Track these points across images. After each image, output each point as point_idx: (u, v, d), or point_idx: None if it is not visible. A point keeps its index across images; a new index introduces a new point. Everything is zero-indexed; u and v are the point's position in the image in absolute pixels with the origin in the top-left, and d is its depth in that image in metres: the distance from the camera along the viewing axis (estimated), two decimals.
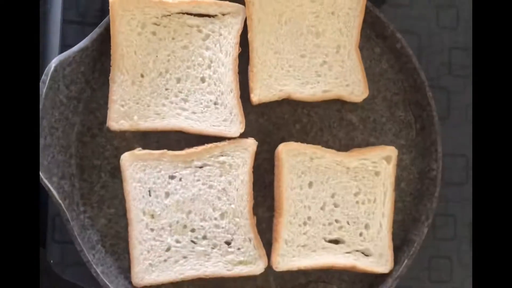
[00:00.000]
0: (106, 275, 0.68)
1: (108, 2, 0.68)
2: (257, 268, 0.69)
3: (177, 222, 0.68)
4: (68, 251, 0.71)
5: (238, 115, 0.68)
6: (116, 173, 0.70)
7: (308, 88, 0.71)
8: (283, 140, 0.71)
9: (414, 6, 0.81)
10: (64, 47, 0.71)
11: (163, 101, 0.69)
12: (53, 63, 0.65)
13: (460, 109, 0.81)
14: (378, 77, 0.76)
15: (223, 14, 0.70)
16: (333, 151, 0.72)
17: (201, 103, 0.69)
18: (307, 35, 0.71)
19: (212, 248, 0.68)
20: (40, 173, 0.63)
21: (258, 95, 0.70)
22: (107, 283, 0.67)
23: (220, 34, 0.70)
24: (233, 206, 0.68)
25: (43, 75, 0.64)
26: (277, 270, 0.69)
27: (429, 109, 0.74)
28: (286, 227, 0.69)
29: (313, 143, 0.72)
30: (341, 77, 0.72)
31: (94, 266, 0.67)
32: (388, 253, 0.73)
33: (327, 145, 0.74)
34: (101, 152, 0.70)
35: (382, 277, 0.73)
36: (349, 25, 0.72)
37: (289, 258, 0.70)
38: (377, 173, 0.73)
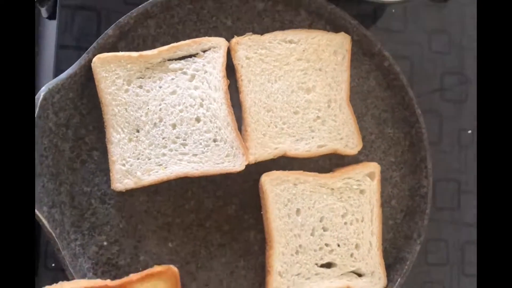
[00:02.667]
0: None
1: (103, 27, 0.68)
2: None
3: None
4: (60, 278, 0.70)
5: (239, 147, 0.68)
6: (106, 199, 0.70)
7: (303, 144, 0.72)
8: (276, 161, 0.71)
9: (406, 31, 0.81)
10: (58, 72, 0.70)
11: (163, 150, 0.68)
12: (42, 92, 0.65)
13: (452, 134, 0.82)
14: (366, 94, 0.76)
15: (204, 51, 0.70)
16: (316, 173, 0.72)
17: (201, 144, 0.68)
18: (298, 91, 0.72)
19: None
20: None
21: (254, 155, 0.69)
22: None
23: (205, 71, 0.69)
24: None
25: None
26: None
27: (418, 126, 0.75)
28: (279, 259, 0.69)
29: (305, 164, 0.73)
30: (335, 131, 0.73)
31: None
32: (380, 270, 0.73)
33: (318, 165, 0.74)
34: (91, 179, 0.70)
35: None
36: (337, 79, 0.73)
37: None
38: (362, 191, 0.73)
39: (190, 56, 0.70)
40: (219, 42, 0.70)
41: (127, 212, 0.70)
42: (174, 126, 0.69)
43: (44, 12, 0.76)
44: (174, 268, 0.67)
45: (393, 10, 0.81)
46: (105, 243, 0.69)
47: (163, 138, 0.68)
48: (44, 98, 0.65)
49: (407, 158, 0.76)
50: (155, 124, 0.68)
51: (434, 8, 0.82)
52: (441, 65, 0.82)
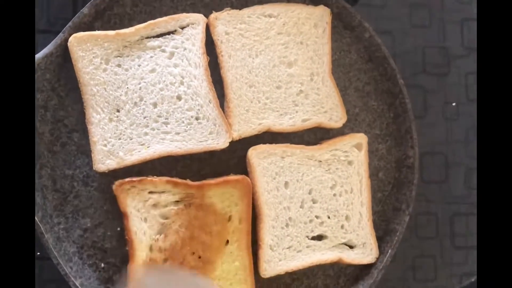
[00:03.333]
0: (86, 287, 0.66)
1: (79, 9, 0.67)
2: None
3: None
4: (46, 267, 0.70)
5: (222, 124, 0.67)
6: (88, 181, 0.69)
7: (287, 119, 0.71)
8: (260, 137, 0.71)
9: (386, 7, 0.81)
10: None
11: (145, 130, 0.67)
12: None
13: (436, 107, 0.82)
14: (348, 68, 0.76)
15: (182, 28, 0.69)
16: (303, 146, 0.71)
17: (183, 122, 0.67)
18: (279, 66, 0.71)
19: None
20: None
21: (237, 131, 0.69)
22: None
23: (184, 48, 0.68)
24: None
25: None
26: (265, 277, 0.69)
27: (401, 97, 0.74)
28: (269, 232, 0.69)
29: (290, 139, 0.72)
30: (318, 104, 0.72)
31: (73, 278, 0.65)
32: (371, 241, 0.72)
33: (303, 139, 0.73)
34: (72, 161, 0.68)
35: (367, 269, 0.73)
36: (319, 52, 0.73)
37: (276, 263, 0.69)
38: (350, 162, 0.73)
39: (169, 33, 0.69)
40: (197, 18, 0.69)
41: (110, 194, 0.68)
42: (155, 105, 0.68)
43: None
44: (248, 179, 0.67)
45: None
46: (89, 226, 0.68)
47: (145, 117, 0.67)
48: None
49: (392, 130, 0.76)
50: (135, 103, 0.67)
51: None
52: (422, 38, 0.82)
